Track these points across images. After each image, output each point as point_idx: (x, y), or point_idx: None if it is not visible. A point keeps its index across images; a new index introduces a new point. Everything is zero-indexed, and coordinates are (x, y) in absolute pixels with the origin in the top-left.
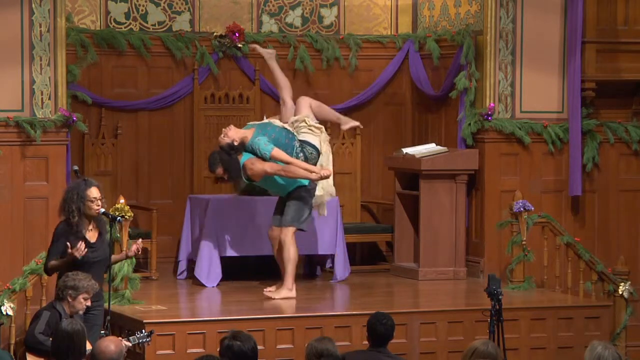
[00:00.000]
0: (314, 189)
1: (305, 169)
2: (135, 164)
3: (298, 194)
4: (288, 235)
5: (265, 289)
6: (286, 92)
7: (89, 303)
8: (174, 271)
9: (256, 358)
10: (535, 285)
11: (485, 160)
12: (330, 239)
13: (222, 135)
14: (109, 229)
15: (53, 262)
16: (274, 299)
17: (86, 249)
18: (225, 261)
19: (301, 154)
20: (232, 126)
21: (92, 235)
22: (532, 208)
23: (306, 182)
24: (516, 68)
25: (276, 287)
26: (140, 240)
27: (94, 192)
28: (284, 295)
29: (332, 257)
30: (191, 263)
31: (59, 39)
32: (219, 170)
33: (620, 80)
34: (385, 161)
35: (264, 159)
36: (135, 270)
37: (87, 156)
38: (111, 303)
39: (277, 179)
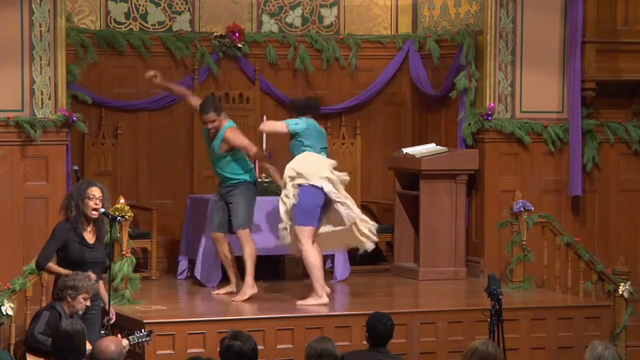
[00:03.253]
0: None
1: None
2: (135, 164)
3: (243, 191)
4: (246, 236)
5: (214, 292)
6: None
7: (88, 303)
8: (174, 271)
9: (256, 358)
10: (535, 285)
11: (485, 160)
12: None
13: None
14: (109, 228)
15: (52, 266)
16: (241, 301)
17: (79, 245)
18: None
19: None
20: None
21: (90, 237)
22: (532, 208)
23: (252, 179)
24: (516, 68)
25: (229, 288)
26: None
27: (94, 190)
28: (250, 294)
29: (332, 257)
30: (191, 263)
31: (59, 39)
32: (212, 115)
33: (620, 80)
34: (385, 161)
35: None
36: (135, 270)
37: (87, 156)
38: (111, 303)
39: (235, 164)
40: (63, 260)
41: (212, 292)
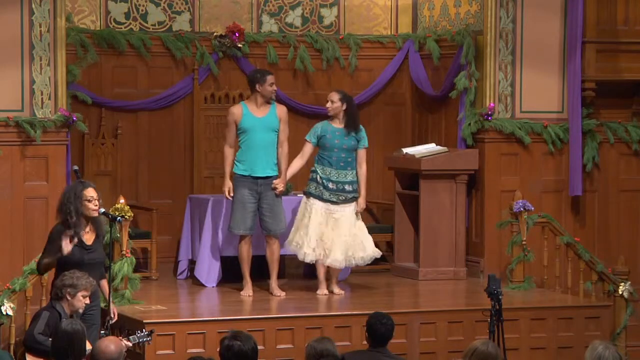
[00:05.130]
0: None
1: (285, 173)
2: (135, 164)
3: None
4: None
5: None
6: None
7: (88, 301)
8: (174, 271)
9: (256, 358)
10: (535, 285)
11: (485, 160)
12: None
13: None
14: (109, 228)
15: (46, 260)
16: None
17: (77, 248)
18: (225, 261)
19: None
20: None
21: (88, 238)
22: (532, 208)
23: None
24: (516, 68)
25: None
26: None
27: (90, 191)
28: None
29: None
30: (191, 263)
31: (59, 39)
32: (273, 77)
33: (620, 80)
34: (385, 161)
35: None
36: (135, 270)
37: (87, 156)
38: (112, 303)
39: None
40: (62, 262)
41: (244, 295)
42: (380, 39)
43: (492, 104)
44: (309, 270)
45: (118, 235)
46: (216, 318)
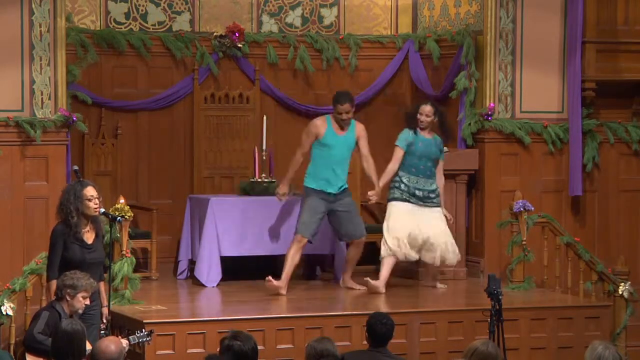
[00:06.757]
0: None
1: (378, 184)
2: (135, 164)
3: (351, 198)
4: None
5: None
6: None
7: (88, 302)
8: (174, 271)
9: (256, 358)
10: (535, 285)
11: (485, 160)
12: (330, 239)
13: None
14: (109, 228)
15: (54, 269)
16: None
17: (78, 247)
18: (225, 261)
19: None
20: None
21: (89, 237)
22: (532, 208)
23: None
24: (516, 68)
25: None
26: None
27: (90, 190)
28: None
29: (332, 257)
30: (191, 263)
31: (59, 39)
32: (348, 106)
33: (620, 80)
34: (385, 161)
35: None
36: (135, 270)
37: (87, 156)
38: (111, 303)
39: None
40: (63, 261)
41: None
42: (380, 39)
43: (492, 104)
44: (309, 271)
45: (118, 235)
46: (216, 318)
